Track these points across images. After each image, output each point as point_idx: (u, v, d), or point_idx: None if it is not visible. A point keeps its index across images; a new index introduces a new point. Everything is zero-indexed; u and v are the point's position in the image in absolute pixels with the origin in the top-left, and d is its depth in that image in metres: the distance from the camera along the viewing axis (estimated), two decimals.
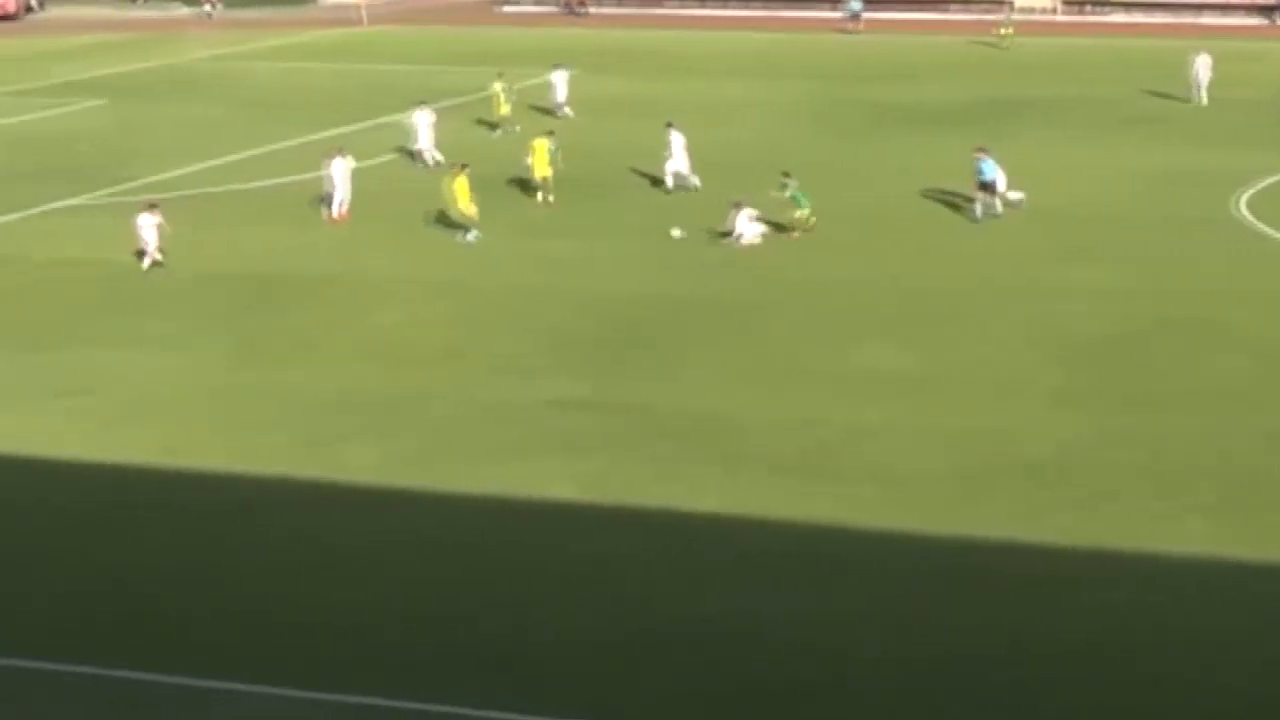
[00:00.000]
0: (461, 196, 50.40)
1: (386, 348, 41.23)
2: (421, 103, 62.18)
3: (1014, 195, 51.76)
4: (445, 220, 52.22)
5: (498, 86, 67.59)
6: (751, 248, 48.65)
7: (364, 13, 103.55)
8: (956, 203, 53.16)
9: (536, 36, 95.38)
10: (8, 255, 49.36)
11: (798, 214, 50.04)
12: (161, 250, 47.28)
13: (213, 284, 46.57)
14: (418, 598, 28.60)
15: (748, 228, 49.21)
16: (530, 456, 34.21)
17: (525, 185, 55.12)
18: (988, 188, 51.40)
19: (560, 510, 31.89)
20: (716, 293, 44.78)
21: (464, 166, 51.37)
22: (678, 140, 55.97)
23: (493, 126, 66.31)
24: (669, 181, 55.75)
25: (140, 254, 47.25)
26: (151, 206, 47.87)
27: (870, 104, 71.77)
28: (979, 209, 51.37)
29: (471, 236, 49.18)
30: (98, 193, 57.30)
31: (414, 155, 60.62)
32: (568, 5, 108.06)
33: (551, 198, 54.87)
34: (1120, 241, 49.09)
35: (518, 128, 64.73)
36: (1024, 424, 35.50)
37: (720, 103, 72.84)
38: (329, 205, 53.14)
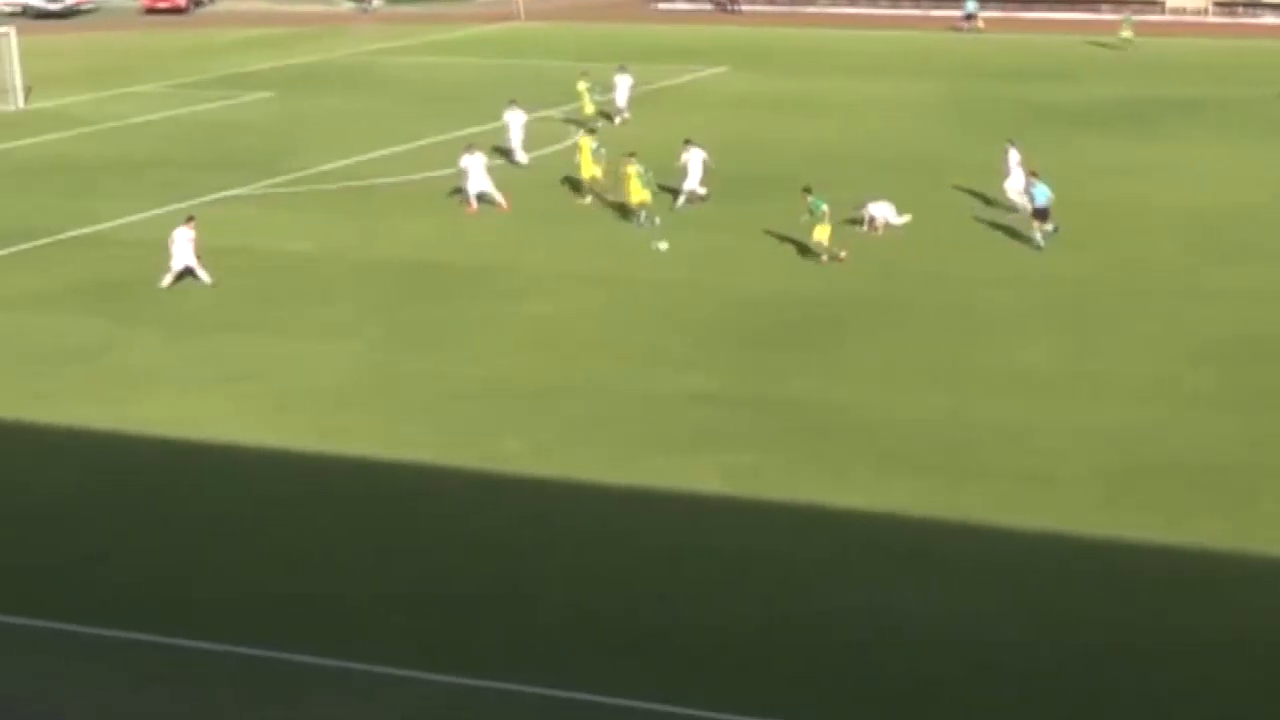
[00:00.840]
0: (633, 188, 50.30)
1: (538, 338, 41.30)
2: (512, 102, 61.74)
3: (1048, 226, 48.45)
4: (598, 214, 52.28)
5: (582, 86, 67.40)
6: (888, 239, 48.39)
7: (521, 8, 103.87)
8: (1099, 202, 52.53)
9: (688, 33, 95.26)
10: (162, 243, 49.78)
11: (817, 231, 46.74)
12: (198, 257, 45.99)
13: (372, 273, 46.84)
14: (568, 588, 28.63)
15: (882, 211, 49.40)
16: (677, 449, 34.13)
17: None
18: (1041, 215, 47.89)
19: (706, 503, 31.79)
20: (860, 289, 44.48)
21: (632, 155, 51.22)
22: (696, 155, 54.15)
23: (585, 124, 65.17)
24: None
25: (185, 273, 45.93)
26: (189, 220, 46.99)
27: (1012, 102, 70.87)
28: (1039, 237, 47.96)
29: (664, 246, 48.41)
30: (263, 183, 57.79)
31: (507, 154, 59.93)
32: (720, 2, 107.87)
33: (588, 199, 54.41)
34: (1269, 243, 48.33)
35: (599, 124, 64.29)
36: (1172, 424, 35.01)
37: (863, 99, 72.42)
38: (466, 199, 53.36)
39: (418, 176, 58.20)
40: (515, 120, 60.12)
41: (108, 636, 27.12)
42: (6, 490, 33.13)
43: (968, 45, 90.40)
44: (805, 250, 47.38)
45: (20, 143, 64.97)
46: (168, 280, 45.56)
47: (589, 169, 54.40)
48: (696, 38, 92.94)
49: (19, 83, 74.73)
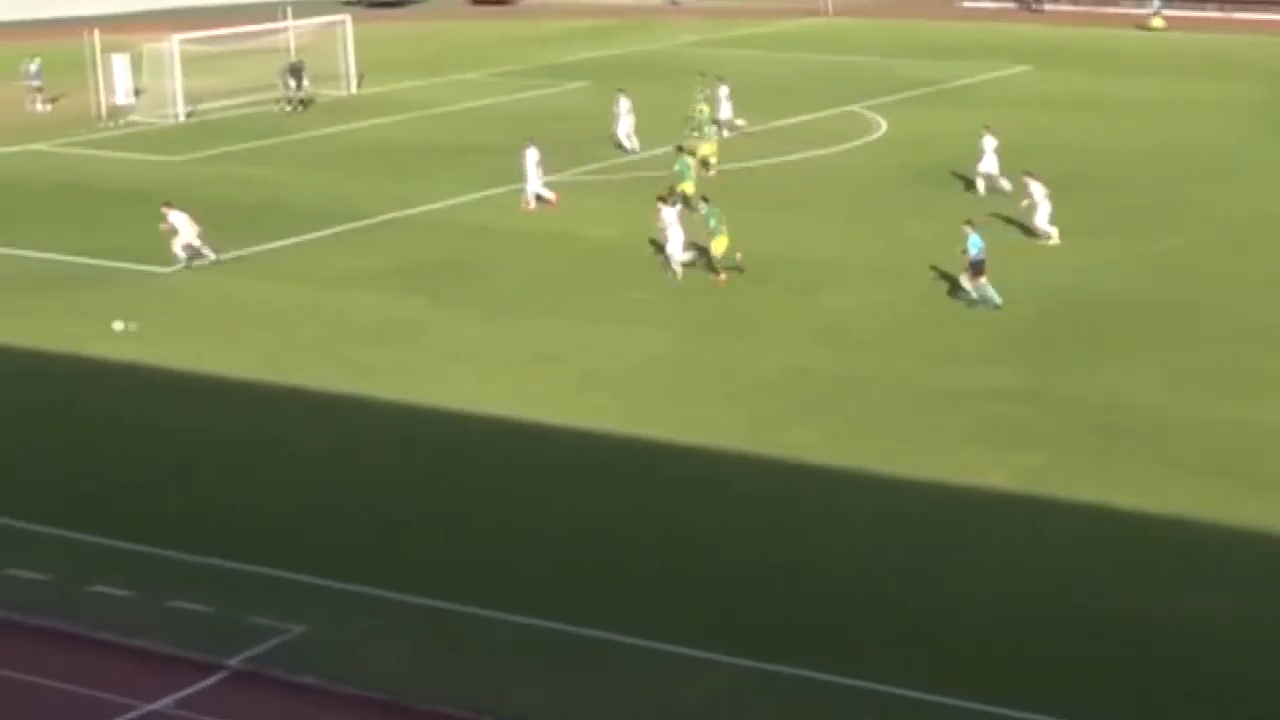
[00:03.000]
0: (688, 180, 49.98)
1: (832, 330, 41.19)
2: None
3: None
4: (896, 208, 52.02)
5: (699, 94, 65.84)
6: (1171, 247, 47.48)
7: (830, 4, 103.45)
8: None
9: (990, 31, 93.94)
10: (495, 227, 50.64)
11: (714, 243, 44.69)
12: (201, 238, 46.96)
13: None
14: (855, 576, 28.61)
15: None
16: (967, 445, 33.84)
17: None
18: (976, 268, 42.29)
19: (992, 499, 31.45)
20: (1141, 290, 43.65)
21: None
22: (990, 143, 53.78)
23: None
24: (980, 185, 53.44)
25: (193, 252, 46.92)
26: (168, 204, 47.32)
27: None
28: (974, 292, 42.42)
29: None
30: (575, 170, 58.34)
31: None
32: (1024, 1, 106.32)
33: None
34: None
35: (709, 130, 63.38)
36: None
37: (1166, 101, 70.84)
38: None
39: (727, 167, 58.32)
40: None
41: (411, 603, 27.75)
42: (330, 461, 34.01)
43: None
44: (1101, 250, 46.63)
45: (350, 126, 66.45)
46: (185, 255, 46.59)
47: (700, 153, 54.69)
48: (999, 36, 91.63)
49: (352, 69, 76.41)
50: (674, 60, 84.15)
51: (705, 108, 61.42)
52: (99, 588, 28.24)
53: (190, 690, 25.25)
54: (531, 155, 53.27)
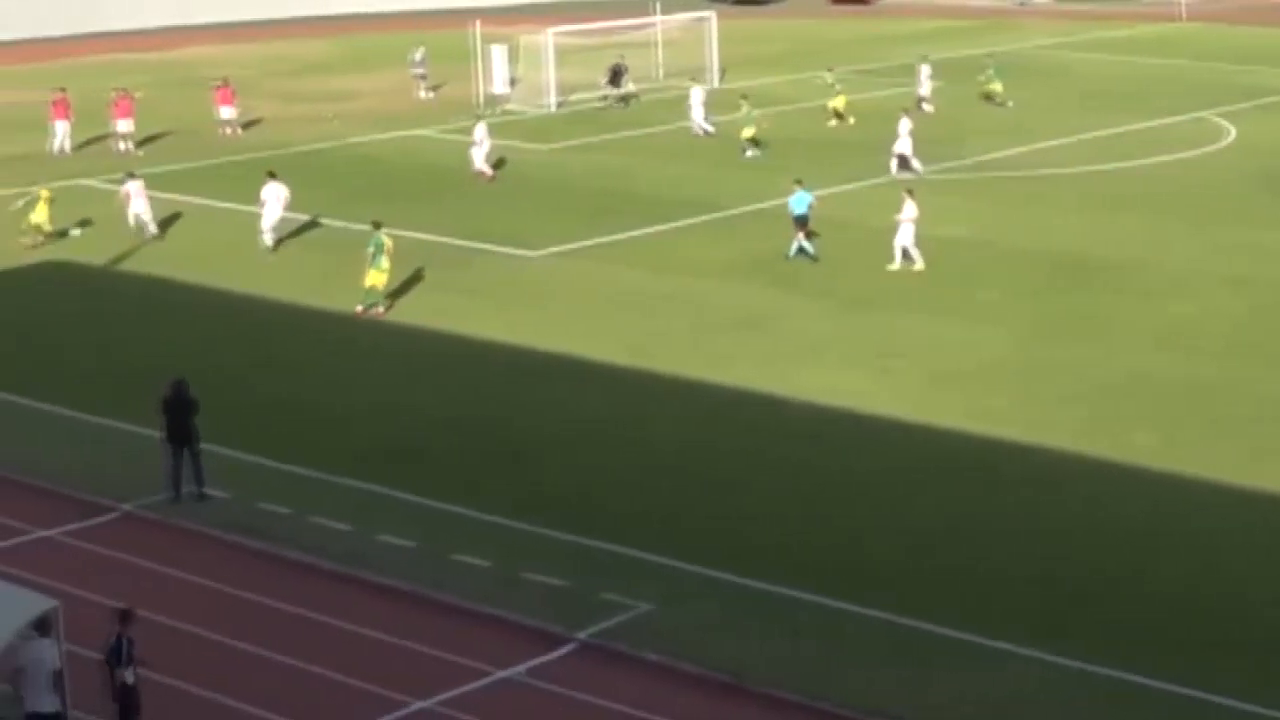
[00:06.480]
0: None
1: (1179, 336, 39.84)
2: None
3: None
4: (1244, 216, 50.27)
5: (829, 78, 68.02)
6: None
7: (1183, 9, 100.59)
8: None
9: None
10: (845, 220, 50.06)
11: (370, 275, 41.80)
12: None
13: (1021, 262, 46.08)
14: (1185, 584, 27.58)
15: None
16: None
17: None
18: (800, 223, 46.04)
19: None
20: None
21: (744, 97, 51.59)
22: None
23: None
24: None
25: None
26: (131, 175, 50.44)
27: None
28: (794, 247, 45.89)
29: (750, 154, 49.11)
30: (934, 167, 57.43)
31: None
32: None
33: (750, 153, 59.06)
34: None
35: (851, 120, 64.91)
36: None
37: None
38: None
39: (1076, 169, 57.02)
40: (696, 96, 63.01)
41: (754, 587, 27.45)
42: (685, 445, 33.86)
43: None
44: None
45: (717, 119, 66.29)
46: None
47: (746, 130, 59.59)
48: None
49: (715, 64, 76.45)
50: (1025, 62, 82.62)
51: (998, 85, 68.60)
52: (461, 557, 28.55)
53: (541, 660, 25.36)
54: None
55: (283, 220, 48.53)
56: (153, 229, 49.35)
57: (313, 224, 50.60)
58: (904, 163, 56.39)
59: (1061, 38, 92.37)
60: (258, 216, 48.31)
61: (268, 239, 48.05)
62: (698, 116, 63.69)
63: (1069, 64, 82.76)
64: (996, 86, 70.51)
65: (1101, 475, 31.97)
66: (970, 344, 39.37)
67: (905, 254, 45.18)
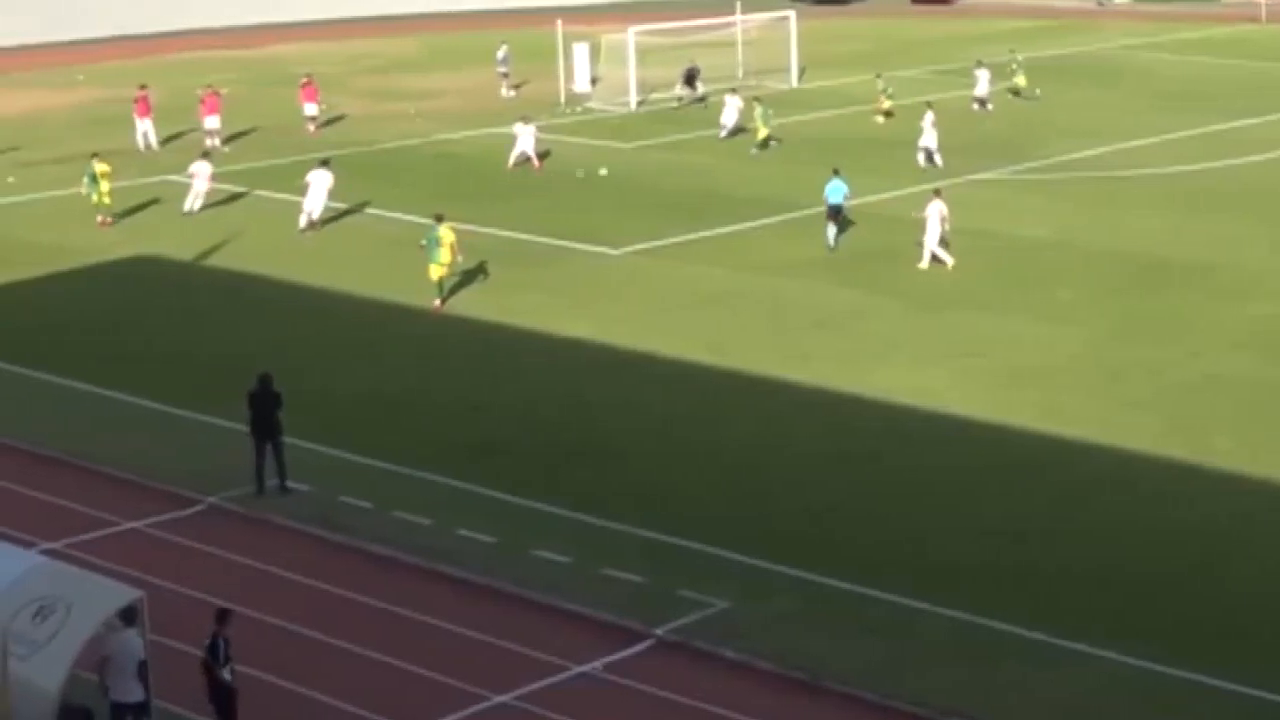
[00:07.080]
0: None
1: (1258, 338, 39.47)
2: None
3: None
4: None
5: (880, 84, 67.61)
6: None
7: (1264, 10, 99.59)
8: None
9: None
10: (920, 220, 49.79)
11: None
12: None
13: (1100, 262, 45.76)
14: (1260, 585, 27.37)
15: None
16: None
17: None
18: (834, 212, 47.10)
19: None
20: None
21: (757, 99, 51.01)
22: None
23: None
24: None
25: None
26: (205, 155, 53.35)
27: None
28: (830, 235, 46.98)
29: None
30: (1010, 168, 57.22)
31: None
32: None
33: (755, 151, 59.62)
34: None
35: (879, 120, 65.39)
36: None
37: None
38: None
39: (1157, 170, 56.61)
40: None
41: (831, 585, 27.44)
42: (763, 443, 33.85)
43: None
44: None
45: (789, 120, 66.07)
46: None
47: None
48: None
49: (794, 63, 76.29)
50: (1106, 62, 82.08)
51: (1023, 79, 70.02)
52: (540, 552, 28.65)
53: (618, 656, 25.42)
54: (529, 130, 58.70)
55: (325, 208, 50.08)
56: (196, 202, 51.80)
57: (395, 220, 50.87)
58: (929, 157, 57.03)
59: (1142, 38, 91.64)
60: (338, 211, 48.72)
61: (304, 221, 49.72)
62: (728, 119, 63.58)
63: (1149, 65, 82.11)
64: (1021, 80, 70.63)
65: (1176, 475, 31.77)
66: (1048, 343, 39.17)
67: (934, 256, 45.04)
